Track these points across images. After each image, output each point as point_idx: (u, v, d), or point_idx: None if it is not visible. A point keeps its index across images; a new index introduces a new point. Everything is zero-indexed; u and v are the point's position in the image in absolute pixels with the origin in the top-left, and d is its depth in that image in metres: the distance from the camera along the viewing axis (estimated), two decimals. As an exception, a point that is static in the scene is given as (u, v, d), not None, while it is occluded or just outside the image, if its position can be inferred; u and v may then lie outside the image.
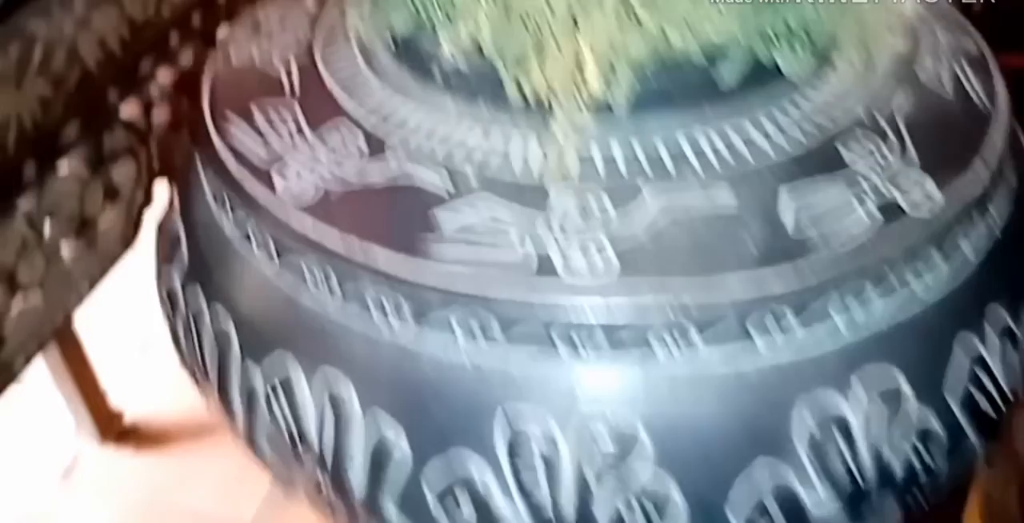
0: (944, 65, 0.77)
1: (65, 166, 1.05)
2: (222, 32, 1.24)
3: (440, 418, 0.63)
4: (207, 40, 1.22)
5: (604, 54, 0.60)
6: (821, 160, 0.67)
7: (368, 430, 0.64)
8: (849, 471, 0.63)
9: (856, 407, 0.62)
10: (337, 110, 0.71)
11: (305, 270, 0.65)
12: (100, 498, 1.64)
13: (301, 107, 0.72)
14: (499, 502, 0.62)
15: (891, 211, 0.64)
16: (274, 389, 0.67)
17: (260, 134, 0.70)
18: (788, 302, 0.61)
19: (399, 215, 0.65)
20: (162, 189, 1.16)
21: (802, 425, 0.62)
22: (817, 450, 0.62)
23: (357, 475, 0.65)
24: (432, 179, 0.66)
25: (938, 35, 0.79)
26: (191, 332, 0.73)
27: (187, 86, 1.18)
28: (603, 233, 0.62)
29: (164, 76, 1.17)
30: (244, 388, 0.68)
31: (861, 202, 0.64)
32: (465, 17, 0.62)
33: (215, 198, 0.72)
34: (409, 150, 0.68)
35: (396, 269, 0.62)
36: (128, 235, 1.17)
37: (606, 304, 0.60)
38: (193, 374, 0.76)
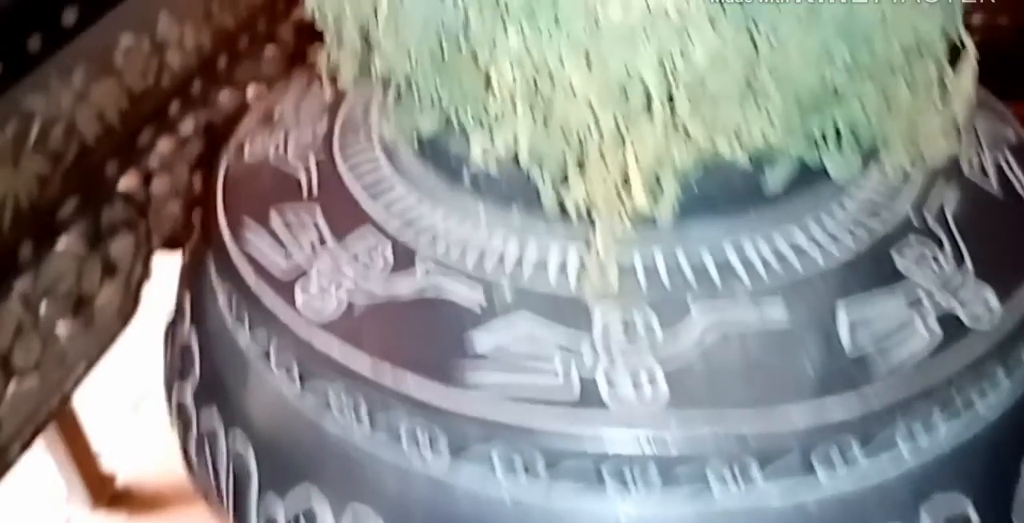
0: (987, 157, 0.72)
1: (63, 244, 1.01)
2: (223, 97, 1.20)
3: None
4: (208, 106, 1.18)
5: (650, 167, 0.56)
6: (874, 269, 0.62)
7: (400, 571, 0.59)
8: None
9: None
10: (361, 216, 0.66)
11: (330, 394, 0.60)
12: (93, 565, 1.60)
13: (323, 212, 0.67)
14: None
15: (952, 325, 0.60)
16: (297, 521, 0.61)
17: (280, 242, 0.65)
18: (853, 431, 0.56)
19: (431, 336, 0.60)
20: (161, 262, 1.12)
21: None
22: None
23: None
24: (464, 293, 0.61)
25: (977, 124, 0.75)
26: (205, 452, 0.68)
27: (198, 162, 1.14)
28: (650, 355, 0.57)
29: (164, 146, 1.13)
30: (263, 517, 0.63)
31: (920, 316, 0.60)
32: (501, 126, 0.57)
33: (231, 309, 0.67)
34: (439, 261, 0.63)
35: (429, 397, 0.57)
36: (126, 310, 1.12)
37: (658, 436, 0.55)
38: (205, 493, 0.71)
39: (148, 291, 1.11)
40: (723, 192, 0.62)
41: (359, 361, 0.59)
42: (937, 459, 0.59)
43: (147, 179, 1.12)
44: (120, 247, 1.09)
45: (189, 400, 0.69)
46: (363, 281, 0.63)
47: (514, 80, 0.54)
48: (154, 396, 1.80)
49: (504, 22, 0.52)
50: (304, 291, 0.63)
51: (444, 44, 0.56)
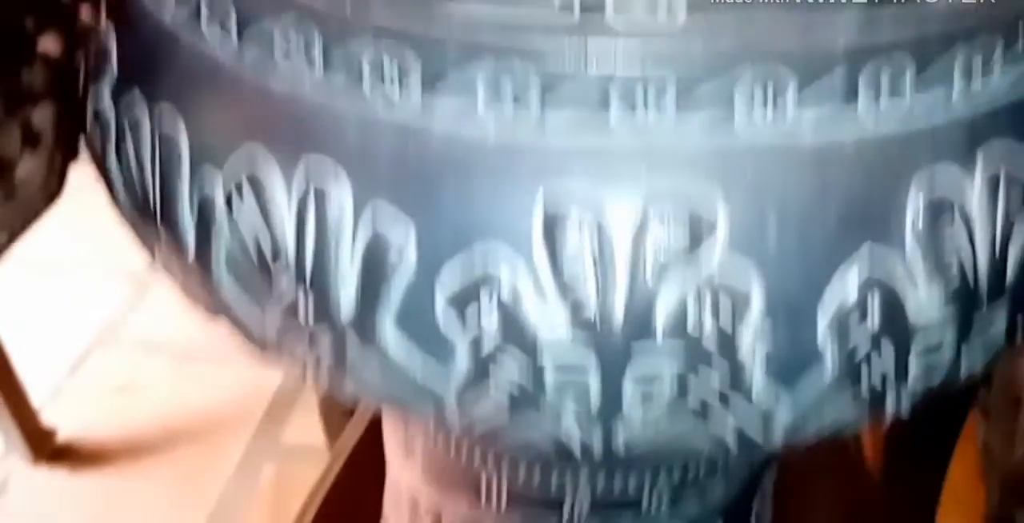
0: None
1: (-25, 100, 0.88)
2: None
3: (459, 208, 0.45)
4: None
5: None
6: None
7: (362, 229, 0.46)
8: (962, 269, 0.47)
9: (977, 188, 0.47)
10: None
11: (274, 38, 0.47)
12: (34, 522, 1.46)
13: None
14: (530, 304, 0.45)
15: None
16: (239, 189, 0.48)
17: None
18: (906, 52, 0.44)
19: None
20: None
21: (914, 206, 0.46)
22: (929, 238, 0.46)
23: (347, 288, 0.47)
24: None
25: None
26: (127, 148, 0.54)
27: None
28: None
29: (87, 13, 1.01)
30: (196, 198, 0.50)
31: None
32: None
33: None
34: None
35: (394, 21, 0.45)
36: (51, 187, 0.99)
37: (675, 51, 0.43)
38: (131, 211, 0.57)
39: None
40: None
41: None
42: (994, 109, 0.47)
43: (72, 51, 1.00)
44: (42, 117, 0.96)
45: (107, 102, 0.56)
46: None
47: None
48: (94, 356, 1.68)
49: None
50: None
51: None
